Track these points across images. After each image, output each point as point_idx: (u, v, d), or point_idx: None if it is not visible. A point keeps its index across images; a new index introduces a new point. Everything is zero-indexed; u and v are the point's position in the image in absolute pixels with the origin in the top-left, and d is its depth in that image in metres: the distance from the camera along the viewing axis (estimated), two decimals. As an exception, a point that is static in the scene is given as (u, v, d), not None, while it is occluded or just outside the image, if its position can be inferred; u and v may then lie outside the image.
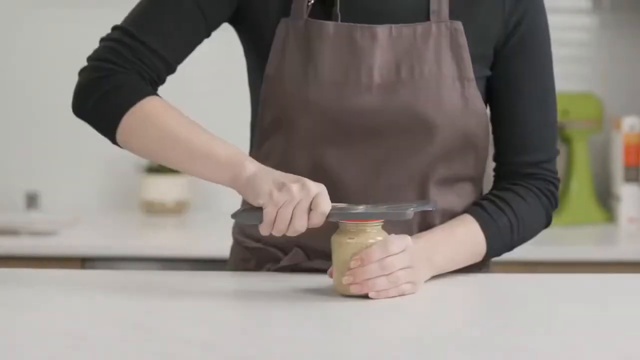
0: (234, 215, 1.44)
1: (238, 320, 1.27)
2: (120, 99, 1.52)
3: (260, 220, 1.40)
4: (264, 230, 1.41)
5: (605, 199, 3.16)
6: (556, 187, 1.64)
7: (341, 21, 1.53)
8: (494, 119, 1.62)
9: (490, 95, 1.60)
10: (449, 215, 1.57)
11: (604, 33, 3.23)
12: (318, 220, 1.39)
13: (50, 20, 3.24)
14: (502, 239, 1.57)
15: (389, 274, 1.39)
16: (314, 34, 1.54)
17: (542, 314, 1.33)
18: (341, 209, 1.41)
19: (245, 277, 1.58)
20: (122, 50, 1.55)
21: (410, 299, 1.40)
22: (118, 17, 3.42)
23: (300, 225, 1.39)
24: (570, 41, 3.23)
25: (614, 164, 3.09)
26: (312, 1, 1.54)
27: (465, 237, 1.54)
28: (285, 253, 1.58)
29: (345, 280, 1.39)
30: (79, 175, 3.23)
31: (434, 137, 1.52)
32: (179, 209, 3.17)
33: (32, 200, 3.19)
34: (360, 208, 1.41)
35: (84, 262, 2.68)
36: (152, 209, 3.16)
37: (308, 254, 1.57)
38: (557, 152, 1.66)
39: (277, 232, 1.40)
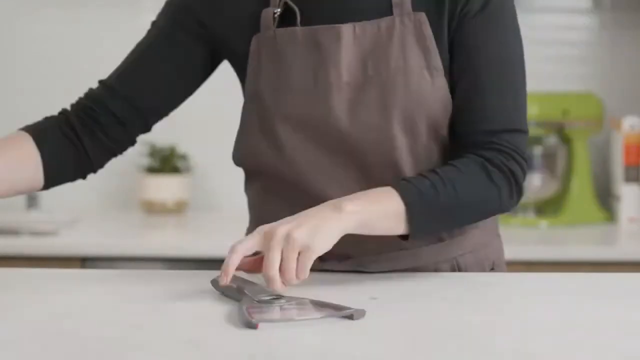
0: None
1: (238, 319, 1.27)
2: None
3: None
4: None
5: (605, 199, 3.16)
6: (515, 161, 1.50)
7: (306, 25, 1.54)
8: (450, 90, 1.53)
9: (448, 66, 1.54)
10: None
11: (604, 33, 3.23)
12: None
13: (50, 20, 3.24)
14: (421, 197, 1.43)
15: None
16: (282, 42, 1.55)
17: (541, 314, 1.33)
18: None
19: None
20: (88, 109, 1.64)
21: (410, 299, 1.39)
22: (117, 17, 3.40)
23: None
24: (570, 41, 3.23)
25: (614, 164, 3.09)
26: (278, 12, 1.56)
27: (378, 193, 1.43)
28: None
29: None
30: (79, 175, 3.23)
31: (407, 130, 1.51)
32: (179, 209, 3.17)
33: (32, 200, 3.19)
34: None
35: (84, 262, 2.69)
36: (152, 209, 3.16)
37: (320, 256, 1.56)
38: (519, 127, 1.52)
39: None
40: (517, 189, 1.51)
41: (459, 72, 1.53)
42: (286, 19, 1.56)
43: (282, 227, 1.35)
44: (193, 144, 3.24)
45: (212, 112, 3.14)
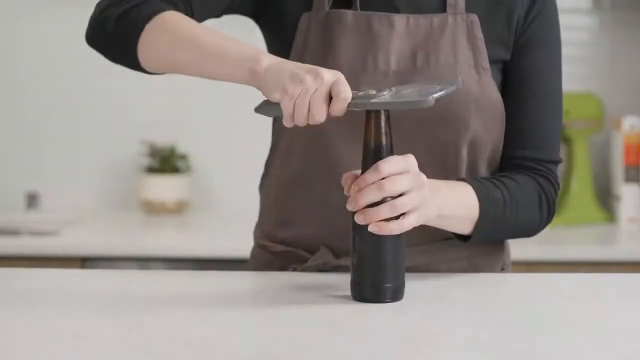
0: (256, 109, 1.39)
1: (238, 320, 1.27)
2: (141, 13, 1.49)
3: (281, 113, 1.36)
4: (286, 122, 1.36)
5: (605, 199, 3.16)
6: (555, 192, 1.60)
7: (360, 11, 1.55)
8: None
9: (503, 85, 1.59)
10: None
11: (604, 33, 3.23)
12: (339, 107, 1.33)
13: (50, 20, 3.24)
14: (494, 209, 1.50)
15: (391, 198, 1.32)
16: (333, 24, 1.55)
17: (542, 314, 1.33)
18: (363, 96, 1.35)
19: (247, 277, 1.58)
20: None
21: (411, 299, 1.39)
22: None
23: (319, 114, 1.33)
24: (570, 41, 3.23)
25: (614, 164, 3.09)
26: None
27: (463, 193, 1.49)
28: (312, 253, 1.56)
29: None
30: (79, 175, 3.23)
31: (451, 126, 1.52)
32: (179, 209, 3.17)
33: (32, 200, 3.19)
34: (385, 93, 1.34)
35: (84, 262, 2.69)
36: (152, 209, 3.16)
37: (335, 252, 1.55)
38: (559, 159, 1.62)
39: (299, 123, 1.35)
40: (550, 219, 1.60)
41: (520, 95, 1.58)
42: (339, 3, 1.56)
43: (423, 176, 1.36)
44: (193, 144, 3.24)
45: (212, 112, 3.13)
